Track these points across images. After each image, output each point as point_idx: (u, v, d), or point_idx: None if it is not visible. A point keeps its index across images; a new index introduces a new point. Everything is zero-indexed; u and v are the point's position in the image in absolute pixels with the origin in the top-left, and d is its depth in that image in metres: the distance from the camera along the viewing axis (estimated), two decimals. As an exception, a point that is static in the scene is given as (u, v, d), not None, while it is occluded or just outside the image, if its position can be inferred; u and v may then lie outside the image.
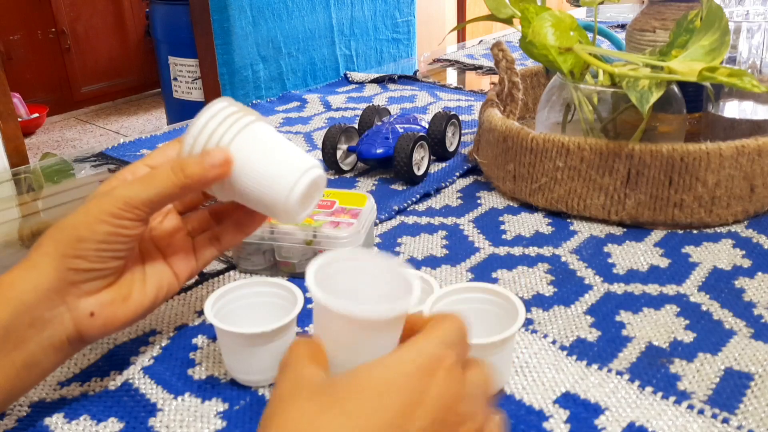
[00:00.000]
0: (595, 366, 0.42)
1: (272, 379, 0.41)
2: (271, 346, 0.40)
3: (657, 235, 0.57)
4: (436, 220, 0.61)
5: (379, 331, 0.30)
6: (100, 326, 0.38)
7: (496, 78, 0.74)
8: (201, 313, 0.49)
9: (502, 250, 0.56)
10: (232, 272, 0.54)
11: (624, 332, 0.45)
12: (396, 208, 0.63)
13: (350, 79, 1.09)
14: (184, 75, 1.96)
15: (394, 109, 0.92)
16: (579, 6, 0.67)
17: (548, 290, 0.50)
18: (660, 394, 0.39)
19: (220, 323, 0.40)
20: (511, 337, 0.38)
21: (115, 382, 0.42)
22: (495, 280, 0.52)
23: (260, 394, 0.41)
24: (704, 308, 0.47)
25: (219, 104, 0.40)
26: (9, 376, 0.35)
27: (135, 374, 0.43)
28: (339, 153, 0.71)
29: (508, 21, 0.63)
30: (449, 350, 0.28)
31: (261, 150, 0.39)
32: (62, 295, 0.36)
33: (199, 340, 0.46)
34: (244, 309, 0.43)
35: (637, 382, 0.40)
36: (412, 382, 0.26)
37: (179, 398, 0.41)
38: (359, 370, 0.27)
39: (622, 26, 1.34)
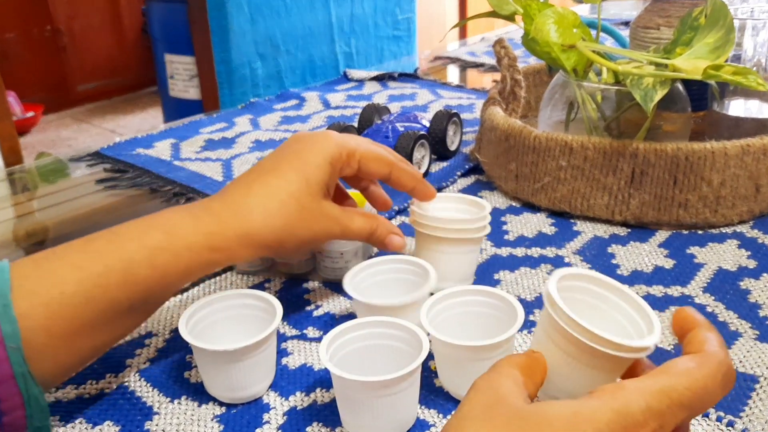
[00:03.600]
0: (600, 369, 0.41)
1: (251, 397, 0.39)
2: (248, 362, 0.38)
3: (661, 235, 0.56)
4: (437, 220, 0.60)
5: (600, 368, 0.28)
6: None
7: (498, 76, 0.73)
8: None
9: (504, 251, 0.55)
10: (228, 273, 0.53)
11: (629, 334, 0.44)
12: (396, 208, 0.62)
13: (350, 77, 1.08)
14: (180, 73, 1.95)
15: (395, 107, 0.92)
16: (582, 3, 0.66)
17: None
18: (666, 397, 0.39)
19: (196, 341, 0.37)
20: (509, 339, 0.37)
21: (110, 385, 0.42)
22: (497, 282, 0.51)
23: (258, 397, 0.40)
24: (709, 309, 0.46)
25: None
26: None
27: (131, 377, 0.42)
28: (338, 151, 0.71)
29: (510, 18, 0.62)
30: (654, 419, 0.25)
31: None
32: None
33: (197, 342, 0.45)
34: (220, 324, 0.41)
35: (643, 386, 0.39)
36: None
37: (176, 401, 0.40)
38: (552, 406, 0.26)
39: (626, 23, 1.33)
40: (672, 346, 0.43)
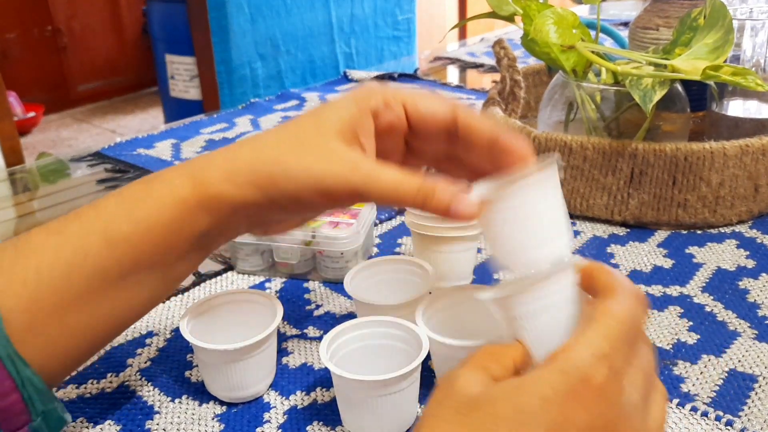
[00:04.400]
0: (599, 368, 0.41)
1: (252, 396, 0.40)
2: (249, 361, 0.38)
3: (660, 235, 0.56)
4: (437, 220, 0.61)
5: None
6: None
7: (497, 76, 0.73)
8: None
9: (503, 251, 0.55)
10: (229, 273, 0.53)
11: (628, 334, 0.44)
12: (396, 208, 0.62)
13: (350, 77, 1.08)
14: (181, 73, 1.95)
15: (394, 107, 0.92)
16: (581, 3, 0.66)
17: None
18: (665, 396, 0.39)
19: (196, 340, 0.38)
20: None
21: (111, 384, 0.42)
22: (497, 281, 0.51)
23: (258, 396, 0.40)
24: (708, 309, 0.47)
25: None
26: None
27: (132, 376, 0.42)
28: (338, 152, 0.71)
29: (509, 18, 0.63)
30: (601, 363, 0.24)
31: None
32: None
33: (197, 341, 0.45)
34: (220, 323, 0.41)
35: (641, 385, 0.40)
36: (552, 412, 0.23)
37: (176, 401, 0.40)
38: (498, 386, 0.25)
39: (625, 24, 1.33)
40: (671, 346, 0.43)
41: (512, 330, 0.30)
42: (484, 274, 0.52)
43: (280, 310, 0.40)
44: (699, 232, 0.57)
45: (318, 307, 0.49)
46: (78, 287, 0.32)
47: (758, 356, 0.42)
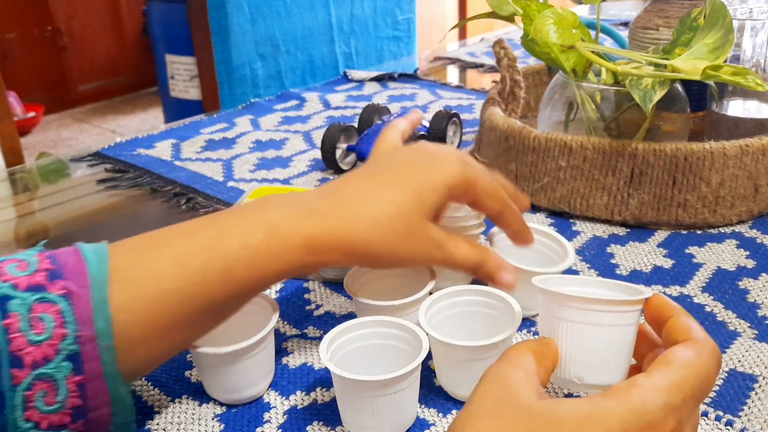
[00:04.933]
0: (599, 368, 0.41)
1: (251, 398, 0.40)
2: (246, 363, 0.38)
3: (660, 235, 0.57)
4: (437, 220, 0.61)
5: (613, 325, 0.29)
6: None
7: (497, 76, 0.73)
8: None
9: (503, 251, 0.55)
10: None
11: (628, 334, 0.44)
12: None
13: (350, 77, 1.08)
14: (181, 73, 1.95)
15: (394, 107, 0.92)
16: (581, 3, 0.66)
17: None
18: (665, 396, 0.39)
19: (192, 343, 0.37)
20: (508, 339, 0.37)
21: (111, 384, 0.42)
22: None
23: (257, 397, 0.40)
24: (708, 309, 0.47)
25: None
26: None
27: (132, 377, 0.42)
28: (338, 152, 0.71)
29: (509, 18, 0.63)
30: (672, 415, 0.25)
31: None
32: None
33: (197, 341, 0.45)
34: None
35: (641, 385, 0.40)
36: None
37: (176, 401, 0.40)
38: (564, 406, 0.25)
39: (625, 24, 1.33)
40: (671, 346, 0.43)
41: (549, 325, 0.30)
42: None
43: (276, 311, 0.40)
44: (699, 232, 0.57)
45: (318, 307, 0.49)
46: (189, 313, 0.35)
47: (758, 356, 0.42)
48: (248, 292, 0.37)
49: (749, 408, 0.38)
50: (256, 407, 0.39)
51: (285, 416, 0.39)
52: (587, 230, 0.58)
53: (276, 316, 0.39)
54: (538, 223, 0.59)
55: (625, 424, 0.24)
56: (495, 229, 0.47)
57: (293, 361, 0.43)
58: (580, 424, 0.24)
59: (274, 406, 0.39)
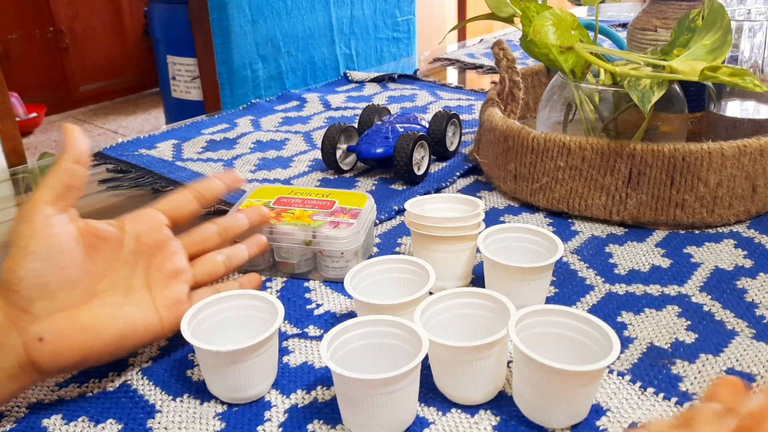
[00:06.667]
0: (597, 367, 0.41)
1: (253, 398, 0.40)
2: (250, 363, 0.38)
3: (658, 235, 0.57)
4: (437, 220, 0.61)
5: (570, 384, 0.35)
6: (50, 353, 0.37)
7: (496, 77, 0.74)
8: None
9: (502, 250, 0.55)
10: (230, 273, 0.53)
11: (625, 333, 0.45)
12: (396, 208, 0.63)
13: (350, 78, 1.08)
14: (182, 74, 1.96)
15: (394, 108, 0.92)
16: (580, 5, 0.66)
17: (549, 291, 0.50)
18: (662, 395, 0.39)
19: (198, 342, 0.38)
20: (503, 339, 0.38)
21: (113, 383, 0.42)
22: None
23: (259, 397, 0.41)
24: (706, 309, 0.47)
25: None
26: None
27: (133, 375, 0.43)
28: (338, 152, 0.71)
29: (508, 20, 0.63)
30: None
31: None
32: (12, 319, 0.36)
33: (198, 340, 0.45)
34: (222, 324, 0.42)
35: (638, 383, 0.40)
36: None
37: (178, 399, 0.40)
38: None
39: (624, 25, 1.34)
40: (669, 345, 0.43)
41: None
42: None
43: (281, 311, 0.40)
44: (697, 231, 0.57)
45: (318, 306, 0.49)
46: None
47: (756, 355, 0.42)
48: None
49: (746, 406, 0.38)
50: (257, 406, 0.40)
51: (286, 415, 0.39)
52: (586, 230, 0.58)
53: (281, 317, 0.39)
54: (537, 224, 0.59)
55: None
56: (487, 231, 0.48)
57: (294, 359, 0.44)
58: None
59: (275, 405, 0.40)
